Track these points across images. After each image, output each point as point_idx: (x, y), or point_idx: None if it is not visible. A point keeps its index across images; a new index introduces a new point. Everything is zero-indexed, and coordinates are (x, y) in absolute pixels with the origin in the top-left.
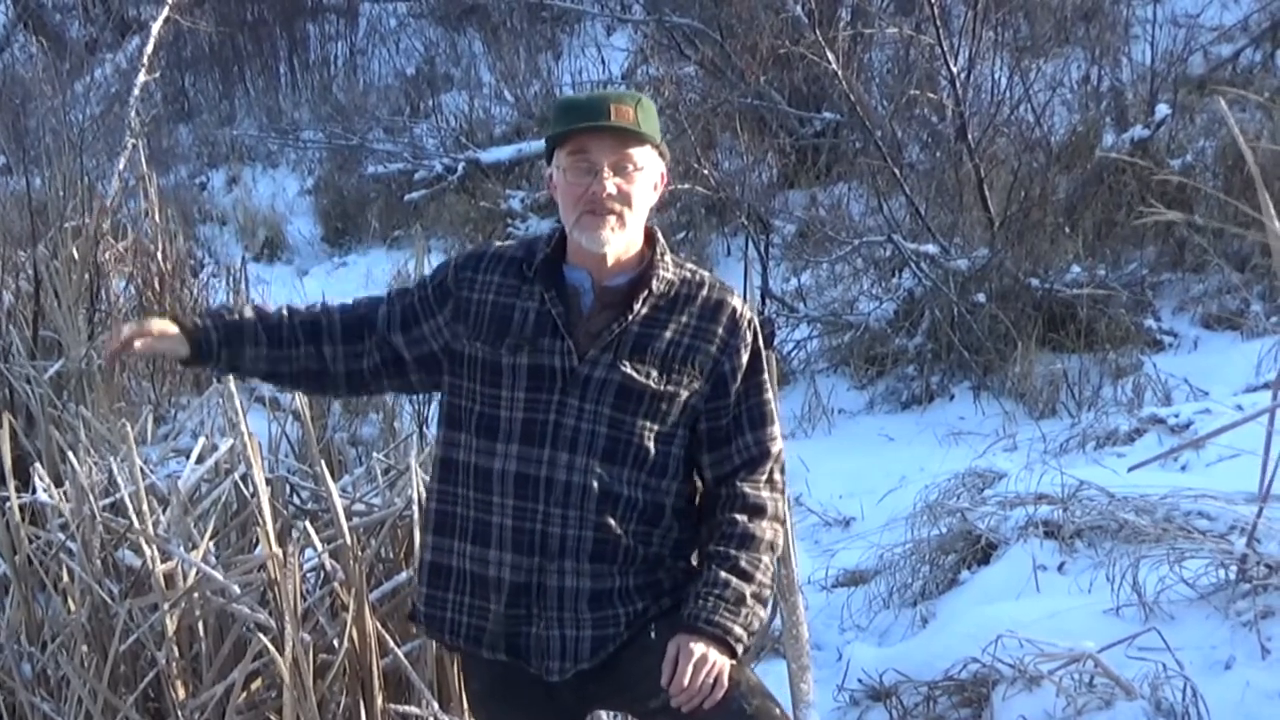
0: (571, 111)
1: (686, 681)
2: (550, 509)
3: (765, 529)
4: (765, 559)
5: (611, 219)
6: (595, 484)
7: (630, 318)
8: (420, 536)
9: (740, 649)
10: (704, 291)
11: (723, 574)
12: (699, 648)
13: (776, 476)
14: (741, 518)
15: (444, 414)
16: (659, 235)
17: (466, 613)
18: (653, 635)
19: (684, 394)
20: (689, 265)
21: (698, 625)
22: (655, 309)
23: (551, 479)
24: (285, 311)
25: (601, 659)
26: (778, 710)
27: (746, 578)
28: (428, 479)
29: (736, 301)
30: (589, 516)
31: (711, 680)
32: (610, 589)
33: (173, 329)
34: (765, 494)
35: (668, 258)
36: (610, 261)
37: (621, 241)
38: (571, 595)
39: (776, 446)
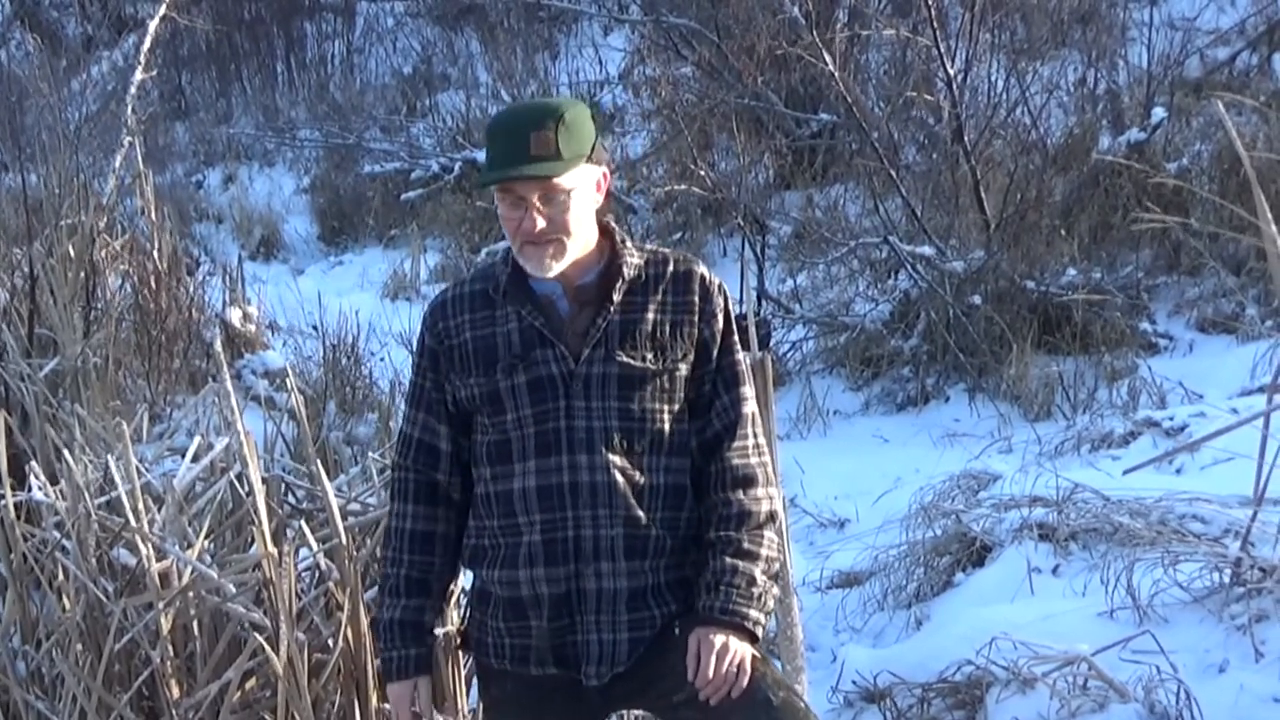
0: (493, 144)
1: (711, 673)
2: (579, 513)
3: (761, 499)
4: (767, 532)
5: (550, 248)
6: (619, 477)
7: (611, 309)
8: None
9: (759, 631)
10: (670, 267)
11: (728, 559)
12: (719, 638)
13: (761, 440)
14: (736, 494)
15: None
16: (613, 223)
17: (508, 635)
18: (676, 632)
19: (683, 367)
20: (647, 246)
21: (714, 616)
22: (630, 294)
23: (575, 483)
24: (433, 568)
25: (634, 660)
26: (802, 704)
27: (752, 558)
28: None
29: (703, 269)
30: (618, 513)
31: (735, 669)
32: (645, 587)
33: (417, 683)
34: (753, 461)
35: (629, 244)
36: (569, 267)
37: (566, 261)
38: (610, 597)
39: (749, 407)
